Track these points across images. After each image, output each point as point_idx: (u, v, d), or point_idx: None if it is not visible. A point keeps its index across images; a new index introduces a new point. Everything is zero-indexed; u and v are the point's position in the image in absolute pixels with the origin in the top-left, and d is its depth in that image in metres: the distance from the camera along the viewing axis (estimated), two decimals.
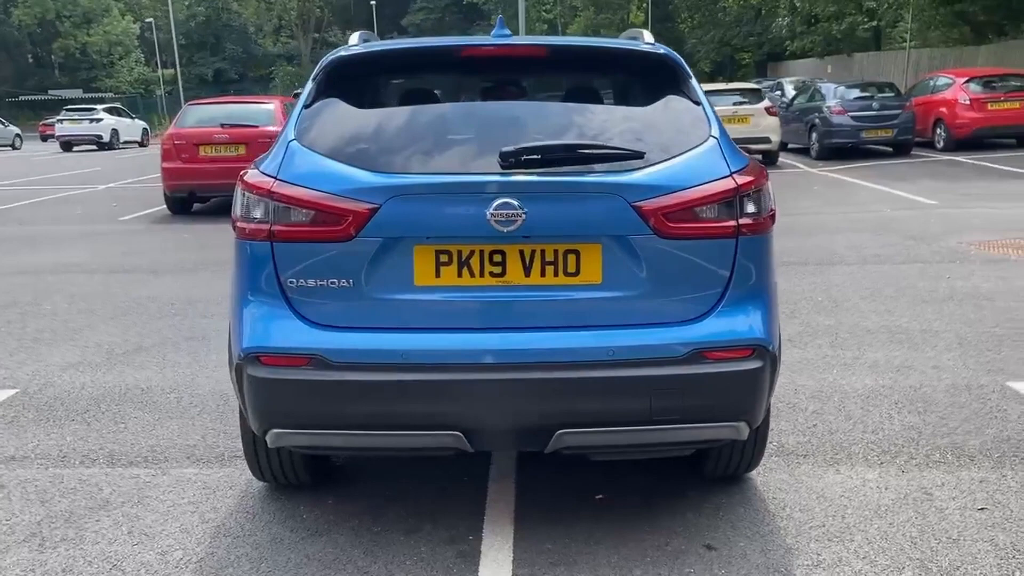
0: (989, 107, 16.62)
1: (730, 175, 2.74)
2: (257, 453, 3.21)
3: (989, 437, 3.84)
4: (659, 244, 2.67)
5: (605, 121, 2.92)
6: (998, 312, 5.71)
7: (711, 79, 52.59)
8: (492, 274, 2.67)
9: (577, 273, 2.67)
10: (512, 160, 2.66)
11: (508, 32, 3.19)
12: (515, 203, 2.60)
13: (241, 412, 3.14)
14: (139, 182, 17.51)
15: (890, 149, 17.13)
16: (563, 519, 3.17)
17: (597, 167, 2.71)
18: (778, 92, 27.14)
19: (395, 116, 2.90)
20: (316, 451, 2.94)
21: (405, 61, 3.05)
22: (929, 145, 17.48)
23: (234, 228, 2.84)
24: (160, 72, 54.60)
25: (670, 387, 2.65)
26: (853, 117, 16.54)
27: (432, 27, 69.74)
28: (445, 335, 2.68)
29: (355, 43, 3.23)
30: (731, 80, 35.05)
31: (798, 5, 33.33)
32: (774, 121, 16.16)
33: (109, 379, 4.88)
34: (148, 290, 7.20)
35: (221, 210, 11.97)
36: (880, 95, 17.12)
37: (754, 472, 3.48)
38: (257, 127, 11.28)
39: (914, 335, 5.36)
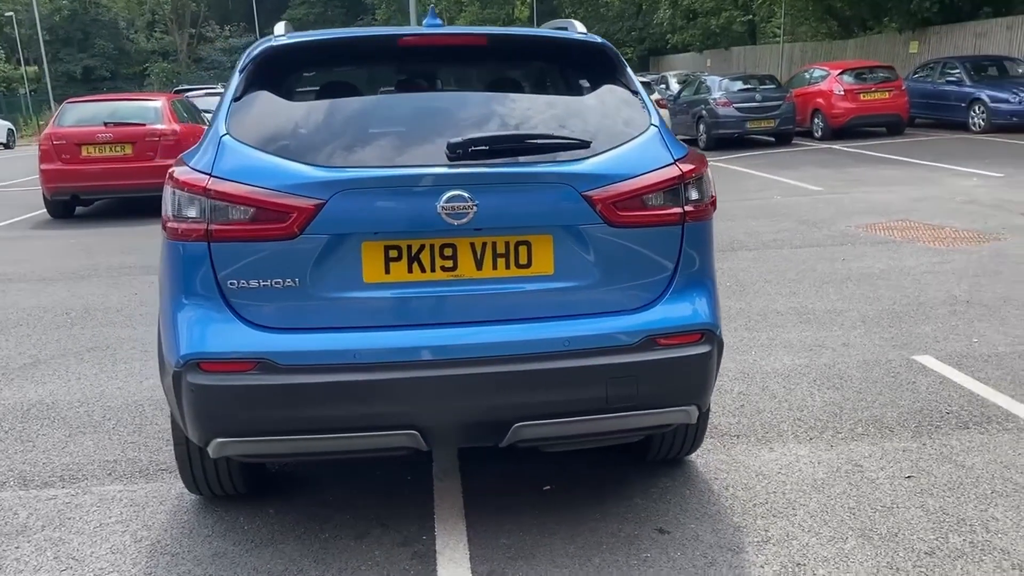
0: (862, 97, 17.54)
1: (674, 163, 2.77)
2: (192, 464, 3.06)
3: (904, 408, 4.04)
4: (609, 233, 2.67)
5: (547, 111, 2.90)
6: (893, 290, 6.02)
7: None
8: (443, 268, 2.62)
9: (529, 265, 2.65)
10: (460, 151, 2.62)
11: (440, 22, 3.13)
12: (466, 195, 2.55)
13: (175, 422, 2.99)
14: (11, 186, 16.44)
15: (772, 139, 17.83)
16: (514, 512, 3.15)
17: (544, 157, 2.69)
18: (663, 86, 27.92)
19: (334, 108, 2.80)
20: (262, 459, 2.83)
21: (340, 51, 2.95)
22: (808, 134, 18.29)
23: (164, 228, 2.69)
24: (23, 69, 51.43)
25: (624, 375, 2.66)
26: (738, 108, 17.15)
27: (315, 22, 68.23)
28: (397, 333, 2.61)
29: (281, 33, 3.10)
30: None
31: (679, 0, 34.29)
32: (664, 114, 16.53)
33: (8, 395, 4.56)
34: (38, 299, 6.76)
35: (107, 213, 11.41)
36: (762, 87, 17.79)
37: (693, 455, 3.55)
38: (144, 125, 10.76)
39: (821, 315, 5.59)
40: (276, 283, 2.58)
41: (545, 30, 3.05)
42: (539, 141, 2.72)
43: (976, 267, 6.76)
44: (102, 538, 3.07)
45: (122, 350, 5.28)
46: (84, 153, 10.60)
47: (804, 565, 2.78)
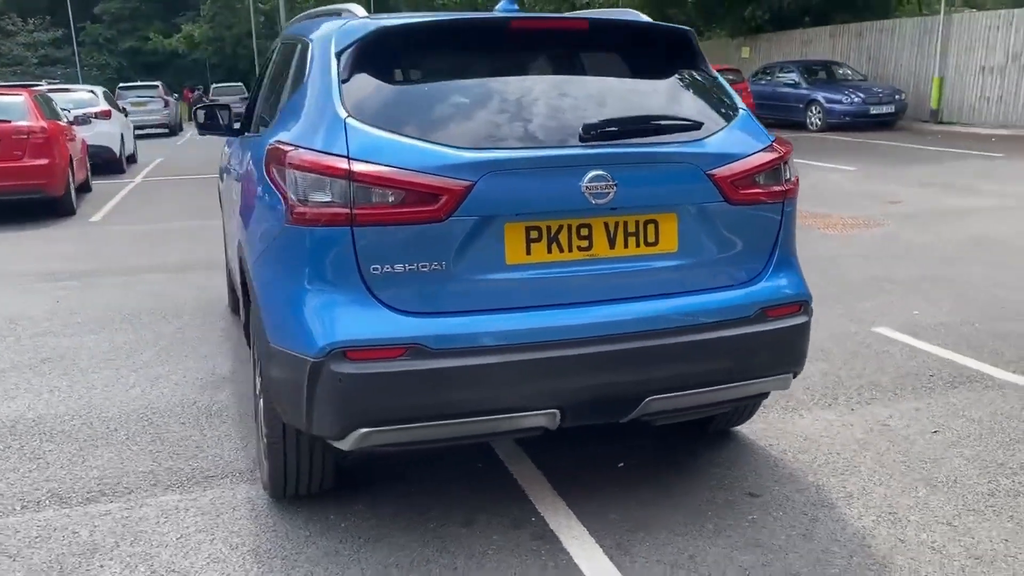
0: None
1: (772, 144, 2.94)
2: (287, 463, 2.93)
3: (893, 373, 4.43)
4: (726, 210, 2.81)
5: (653, 93, 2.99)
6: (819, 274, 6.53)
7: None
8: (580, 248, 2.66)
9: (656, 243, 2.74)
10: (594, 132, 2.67)
11: (516, 7, 3.15)
12: (607, 175, 2.61)
13: (266, 419, 2.86)
14: None
15: None
16: (603, 489, 3.22)
17: (668, 138, 2.79)
18: None
19: (460, 90, 2.76)
20: (397, 448, 2.75)
21: (449, 34, 2.90)
22: None
23: (291, 214, 2.57)
24: None
25: (745, 346, 2.81)
26: None
27: (129, 15, 64.38)
28: (541, 313, 2.62)
29: (362, 14, 3.03)
30: None
31: (526, 2, 34.92)
32: None
33: None
34: None
35: None
36: None
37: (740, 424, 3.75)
38: (9, 122, 9.85)
39: None
40: (422, 267, 2.53)
41: (632, 18, 3.13)
42: (663, 122, 2.82)
43: (880, 250, 7.44)
44: (192, 549, 2.88)
45: (81, 360, 4.88)
46: None
47: (895, 513, 3.03)
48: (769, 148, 2.91)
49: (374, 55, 2.76)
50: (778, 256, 2.95)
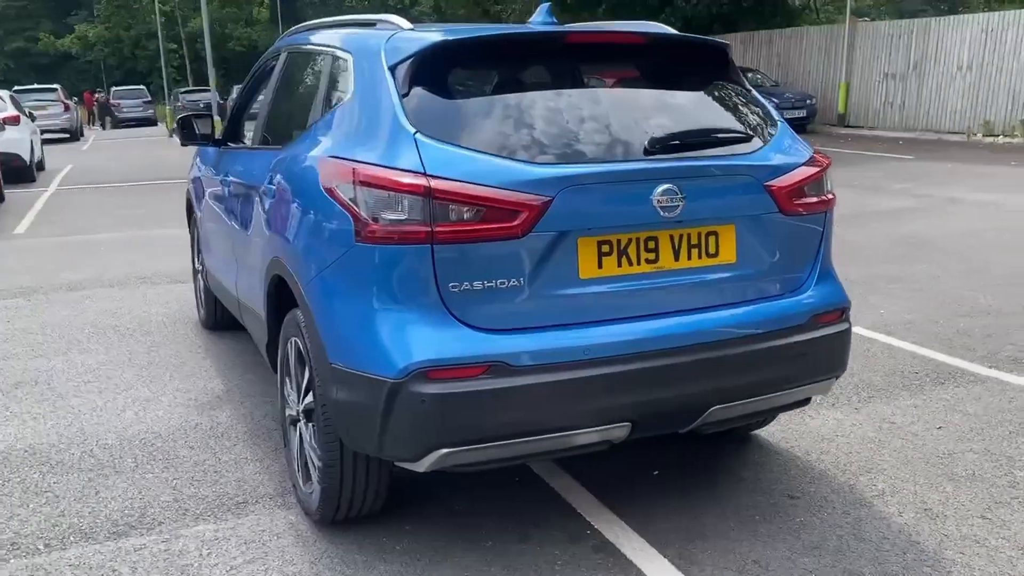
0: None
1: (814, 156, 3.03)
2: (343, 486, 2.85)
3: (881, 372, 4.62)
4: (780, 221, 2.88)
5: (704, 106, 3.03)
6: None
7: None
8: (647, 261, 2.68)
9: (716, 254, 2.79)
10: (659, 146, 2.69)
11: (554, 19, 3.15)
12: (676, 188, 2.64)
13: (321, 443, 2.78)
14: None
15: None
16: (646, 498, 3.25)
17: (725, 150, 2.84)
18: None
19: (524, 105, 2.73)
20: (473, 468, 2.70)
21: (507, 48, 2.87)
22: None
23: (363, 232, 2.50)
24: None
25: (801, 352, 2.88)
26: None
27: (15, 14, 61.36)
28: (615, 326, 2.63)
29: (407, 26, 2.97)
30: None
31: (442, 5, 34.83)
32: None
33: None
34: None
35: None
36: None
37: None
38: None
39: None
40: (500, 284, 2.51)
41: (671, 31, 3.17)
42: (721, 135, 2.87)
43: None
44: None
45: (56, 383, 4.62)
46: None
47: (930, 509, 3.16)
48: (813, 160, 2.99)
49: (433, 69, 2.72)
50: (821, 264, 3.04)
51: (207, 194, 4.80)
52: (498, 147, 2.57)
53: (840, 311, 3.04)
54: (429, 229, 2.44)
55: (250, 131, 4.83)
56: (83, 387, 4.57)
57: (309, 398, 2.95)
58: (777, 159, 2.89)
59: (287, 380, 3.26)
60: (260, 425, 4.02)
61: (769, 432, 3.85)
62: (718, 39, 3.21)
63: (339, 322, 2.63)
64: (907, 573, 2.76)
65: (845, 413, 4.07)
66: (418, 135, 2.56)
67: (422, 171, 2.47)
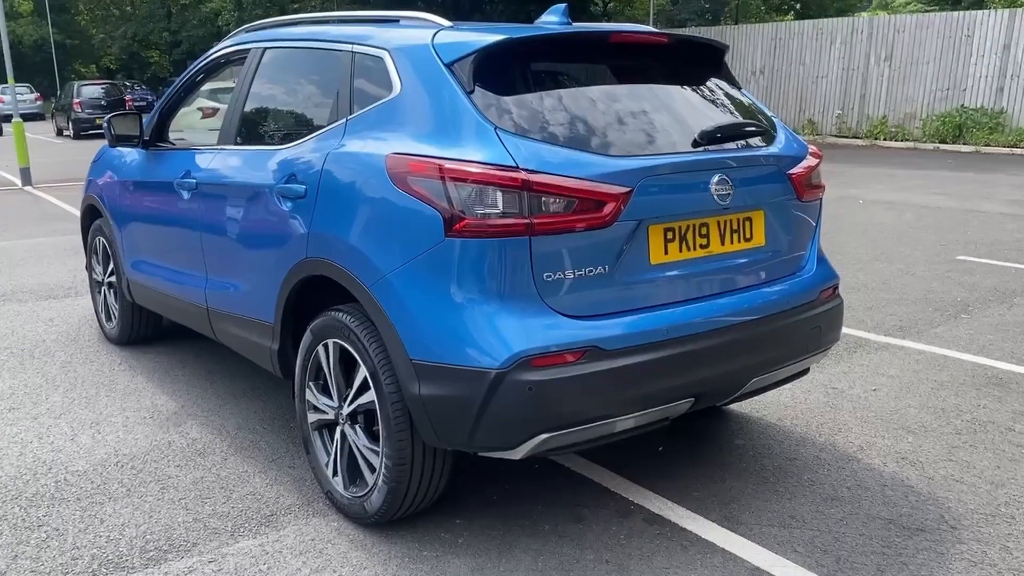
0: None
1: (809, 148, 3.36)
2: (411, 481, 2.84)
3: None
4: (796, 207, 3.18)
5: (725, 102, 3.25)
6: None
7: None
8: (700, 246, 2.88)
9: (751, 238, 3.04)
10: (707, 138, 2.90)
11: (569, 20, 3.28)
12: (728, 177, 2.86)
13: (392, 442, 2.77)
14: None
15: None
16: (669, 473, 3.45)
17: (754, 142, 3.09)
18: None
19: (588, 100, 2.81)
20: (563, 451, 2.76)
21: (560, 46, 2.94)
22: None
23: (454, 226, 2.52)
24: None
25: (816, 325, 3.19)
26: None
27: None
28: (682, 308, 2.81)
29: (447, 24, 2.99)
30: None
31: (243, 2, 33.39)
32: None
33: None
34: None
35: None
36: None
37: None
38: None
39: None
40: (589, 271, 2.61)
41: (685, 34, 3.38)
42: (750, 128, 3.12)
43: None
44: None
45: (22, 398, 4.17)
46: None
47: (906, 458, 3.59)
48: (812, 152, 3.32)
49: (497, 66, 2.77)
50: (816, 246, 3.37)
51: (142, 199, 4.48)
52: (575, 141, 2.67)
53: (835, 287, 3.39)
54: (528, 221, 2.50)
55: (182, 132, 4.58)
56: (9, 413, 4.14)
57: (364, 398, 2.90)
58: (791, 150, 3.19)
59: (312, 385, 3.17)
60: (240, 438, 3.84)
61: (739, 406, 4.18)
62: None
63: (423, 317, 2.62)
64: (915, 513, 3.14)
65: (793, 384, 4.48)
66: (499, 129, 2.61)
67: (514, 165, 2.52)
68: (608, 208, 2.60)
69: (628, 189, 2.63)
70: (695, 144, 2.89)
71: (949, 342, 5.15)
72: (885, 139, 18.75)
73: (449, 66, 2.77)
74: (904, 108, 18.80)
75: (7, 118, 22.76)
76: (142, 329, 5.03)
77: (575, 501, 3.23)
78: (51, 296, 6.47)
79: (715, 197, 2.83)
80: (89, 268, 5.44)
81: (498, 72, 2.77)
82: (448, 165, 2.56)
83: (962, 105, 17.72)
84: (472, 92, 2.71)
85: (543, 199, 2.53)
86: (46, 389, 4.48)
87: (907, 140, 18.45)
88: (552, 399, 2.53)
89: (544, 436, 2.58)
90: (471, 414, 2.56)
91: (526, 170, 2.52)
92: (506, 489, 3.32)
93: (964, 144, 17.31)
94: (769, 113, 3.42)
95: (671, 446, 3.72)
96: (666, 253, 2.79)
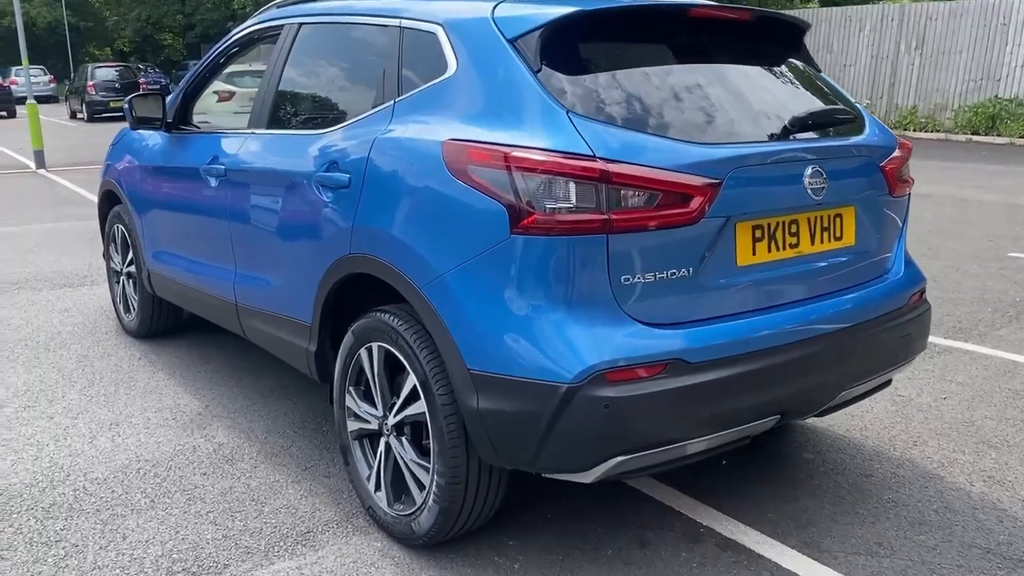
0: None
1: (896, 138, 3.05)
2: (465, 500, 2.58)
3: None
4: (887, 203, 2.88)
5: (809, 86, 2.94)
6: None
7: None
8: (790, 245, 2.59)
9: (841, 237, 2.74)
10: (798, 126, 2.61)
11: None
12: (823, 170, 2.57)
13: (444, 459, 2.50)
14: None
15: None
16: (737, 490, 3.17)
17: (844, 130, 2.79)
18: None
19: (667, 81, 2.52)
20: (637, 475, 2.49)
21: (633, 21, 2.63)
22: None
23: (522, 222, 2.23)
24: None
25: (906, 333, 2.90)
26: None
27: None
28: (770, 315, 2.52)
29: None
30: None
31: None
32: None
33: None
34: None
35: None
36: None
37: None
38: None
39: None
40: (671, 274, 2.33)
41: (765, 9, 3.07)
42: (840, 116, 2.81)
43: None
44: None
45: (20, 400, 3.93)
46: None
47: (992, 476, 3.30)
48: (903, 143, 3.02)
49: (566, 42, 2.47)
50: (903, 246, 3.08)
51: (165, 186, 4.21)
52: (655, 127, 2.38)
53: (922, 291, 3.09)
54: (606, 217, 2.22)
55: (208, 115, 4.32)
56: (26, 413, 3.89)
57: (412, 409, 2.63)
58: (882, 140, 2.89)
59: (352, 391, 2.91)
60: (270, 443, 3.59)
61: None
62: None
63: (484, 323, 2.34)
64: (1015, 541, 2.86)
65: None
66: (571, 114, 2.32)
67: (591, 154, 2.23)
68: (695, 203, 2.31)
69: (717, 181, 2.34)
70: (785, 132, 2.59)
71: (1015, 346, 4.84)
72: (915, 130, 18.31)
73: (512, 42, 2.48)
74: (935, 98, 18.34)
75: (21, 100, 22.60)
76: (162, 321, 4.78)
77: (637, 522, 2.95)
78: (66, 284, 6.23)
79: (809, 191, 2.54)
80: (107, 256, 5.18)
81: (567, 49, 2.48)
82: (515, 153, 2.27)
83: (996, 96, 17.25)
84: (539, 71, 2.42)
85: (622, 192, 2.24)
86: (62, 385, 4.24)
87: (937, 131, 18.00)
88: (630, 418, 2.25)
89: (619, 459, 2.30)
90: (537, 433, 2.28)
91: (604, 159, 2.23)
92: (562, 506, 3.05)
93: (998, 136, 16.86)
94: (852, 99, 3.11)
95: (734, 460, 3.43)
96: (754, 254, 2.50)
